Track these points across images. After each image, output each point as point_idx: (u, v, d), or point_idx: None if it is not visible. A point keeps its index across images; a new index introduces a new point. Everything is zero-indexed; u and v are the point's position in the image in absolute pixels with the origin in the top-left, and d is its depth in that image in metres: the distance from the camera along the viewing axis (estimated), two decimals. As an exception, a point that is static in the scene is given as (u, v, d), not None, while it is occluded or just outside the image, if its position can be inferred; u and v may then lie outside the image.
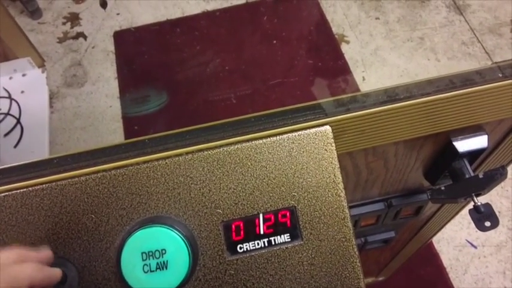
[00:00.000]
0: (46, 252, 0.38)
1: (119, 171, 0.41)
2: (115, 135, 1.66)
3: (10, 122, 1.63)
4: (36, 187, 0.40)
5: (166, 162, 0.41)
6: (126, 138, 1.66)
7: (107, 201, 0.40)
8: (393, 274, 1.23)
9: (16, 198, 0.40)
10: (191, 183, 0.42)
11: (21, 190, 0.40)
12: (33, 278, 0.34)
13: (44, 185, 0.40)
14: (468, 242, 1.43)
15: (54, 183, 0.40)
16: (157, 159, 0.41)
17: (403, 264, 1.12)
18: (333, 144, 0.43)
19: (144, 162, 0.41)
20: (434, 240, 1.43)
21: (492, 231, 1.41)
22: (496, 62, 0.48)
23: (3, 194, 0.40)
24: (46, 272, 0.36)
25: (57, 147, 1.64)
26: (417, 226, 0.84)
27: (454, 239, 1.43)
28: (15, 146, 1.58)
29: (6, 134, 1.61)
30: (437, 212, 0.75)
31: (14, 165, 0.41)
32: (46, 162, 0.41)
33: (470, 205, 0.55)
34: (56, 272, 0.37)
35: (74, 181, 0.40)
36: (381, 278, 1.25)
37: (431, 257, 1.41)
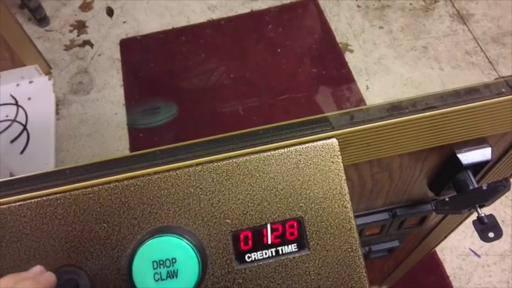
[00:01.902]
0: (37, 268, 0.39)
1: (130, 181, 0.42)
2: (120, 142, 1.68)
3: (17, 128, 1.65)
4: (50, 197, 0.41)
5: (176, 173, 0.42)
6: (131, 145, 1.67)
7: (119, 211, 0.41)
8: (396, 283, 1.23)
9: (30, 208, 0.41)
10: (201, 194, 0.43)
11: (36, 200, 0.41)
12: None
13: (57, 195, 0.41)
14: (472, 251, 1.43)
15: (67, 193, 0.41)
16: (168, 170, 0.42)
17: (406, 272, 1.13)
18: (340, 157, 0.44)
19: (155, 173, 0.42)
20: (438, 249, 1.43)
21: (496, 241, 1.41)
22: (502, 77, 0.49)
23: (18, 203, 0.41)
24: (41, 280, 0.38)
25: (63, 154, 1.66)
26: (421, 235, 0.85)
27: (458, 247, 1.44)
28: (22, 152, 1.60)
29: (12, 141, 1.63)
30: (441, 221, 0.76)
31: (28, 175, 0.42)
32: (59, 172, 0.42)
33: (475, 215, 0.56)
34: (51, 276, 0.39)
35: (87, 191, 0.41)
36: (384, 287, 1.25)
37: (434, 266, 1.41)
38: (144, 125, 1.68)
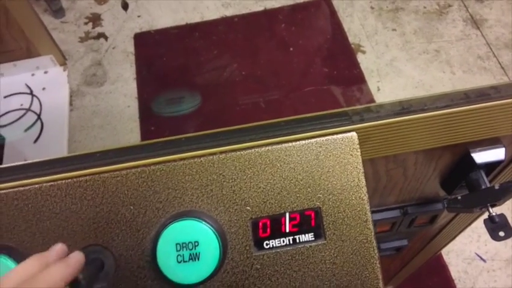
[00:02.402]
0: (60, 246, 0.38)
1: (157, 166, 0.43)
2: (132, 134, 1.70)
3: (31, 117, 1.68)
4: (80, 178, 0.43)
5: (201, 160, 0.44)
6: (142, 138, 1.69)
7: (145, 195, 0.43)
8: (401, 283, 1.24)
9: (61, 188, 0.43)
10: (223, 181, 0.44)
11: (66, 181, 0.43)
12: (66, 276, 0.35)
13: (87, 177, 0.43)
14: (477, 255, 1.43)
15: (97, 176, 0.43)
16: (192, 157, 0.44)
17: (411, 274, 1.14)
18: (358, 150, 0.45)
19: (181, 159, 0.44)
20: (444, 251, 1.44)
21: (502, 246, 1.42)
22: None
23: (49, 184, 0.43)
24: (72, 263, 0.38)
25: (75, 144, 1.68)
26: (429, 236, 0.86)
27: (464, 251, 1.44)
28: (35, 142, 1.63)
29: (26, 129, 1.65)
30: (450, 221, 0.77)
31: (60, 157, 0.44)
32: (90, 155, 0.44)
33: (484, 216, 0.57)
34: (79, 256, 0.39)
35: (116, 174, 0.43)
36: (389, 287, 1.26)
37: (440, 268, 1.42)
38: (168, 113, 1.70)
